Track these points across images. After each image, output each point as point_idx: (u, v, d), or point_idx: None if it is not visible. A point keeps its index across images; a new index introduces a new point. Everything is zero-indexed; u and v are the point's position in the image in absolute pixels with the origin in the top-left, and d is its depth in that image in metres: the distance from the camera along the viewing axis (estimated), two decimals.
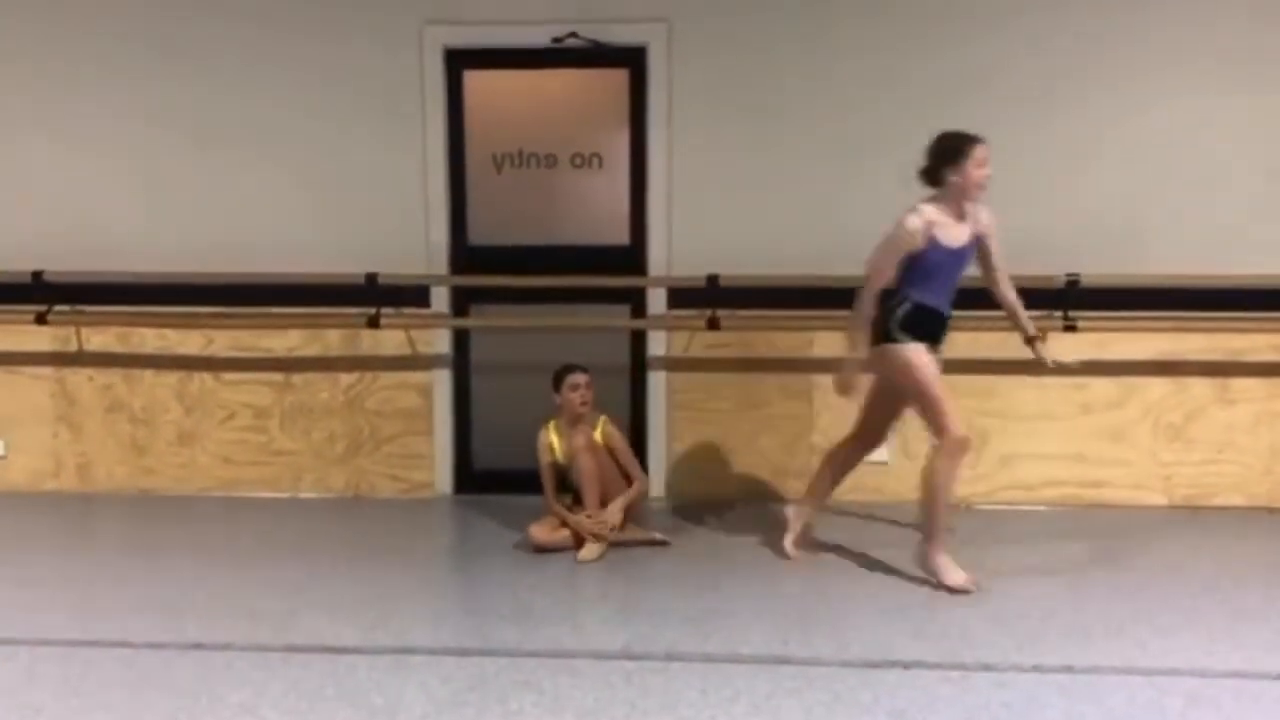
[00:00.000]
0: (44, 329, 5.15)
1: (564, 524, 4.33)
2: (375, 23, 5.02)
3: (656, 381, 5.14)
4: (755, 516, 4.78)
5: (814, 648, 3.27)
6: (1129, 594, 3.77)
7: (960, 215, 3.84)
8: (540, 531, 4.31)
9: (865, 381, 4.02)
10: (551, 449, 4.42)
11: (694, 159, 5.00)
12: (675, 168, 5.01)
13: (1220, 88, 4.85)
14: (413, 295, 5.11)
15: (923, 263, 3.83)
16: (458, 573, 4.34)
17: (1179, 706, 2.89)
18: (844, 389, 3.99)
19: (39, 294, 5.09)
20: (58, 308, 5.12)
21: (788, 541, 4.23)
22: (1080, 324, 4.78)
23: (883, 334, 3.89)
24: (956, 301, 4.98)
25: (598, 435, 4.39)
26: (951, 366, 4.97)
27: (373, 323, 5.02)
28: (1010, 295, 4.05)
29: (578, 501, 4.39)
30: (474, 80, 5.12)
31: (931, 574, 3.87)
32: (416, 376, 5.19)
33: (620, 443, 4.47)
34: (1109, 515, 4.84)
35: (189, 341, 5.20)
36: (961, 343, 4.93)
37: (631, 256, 5.12)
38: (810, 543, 4.31)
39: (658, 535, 4.42)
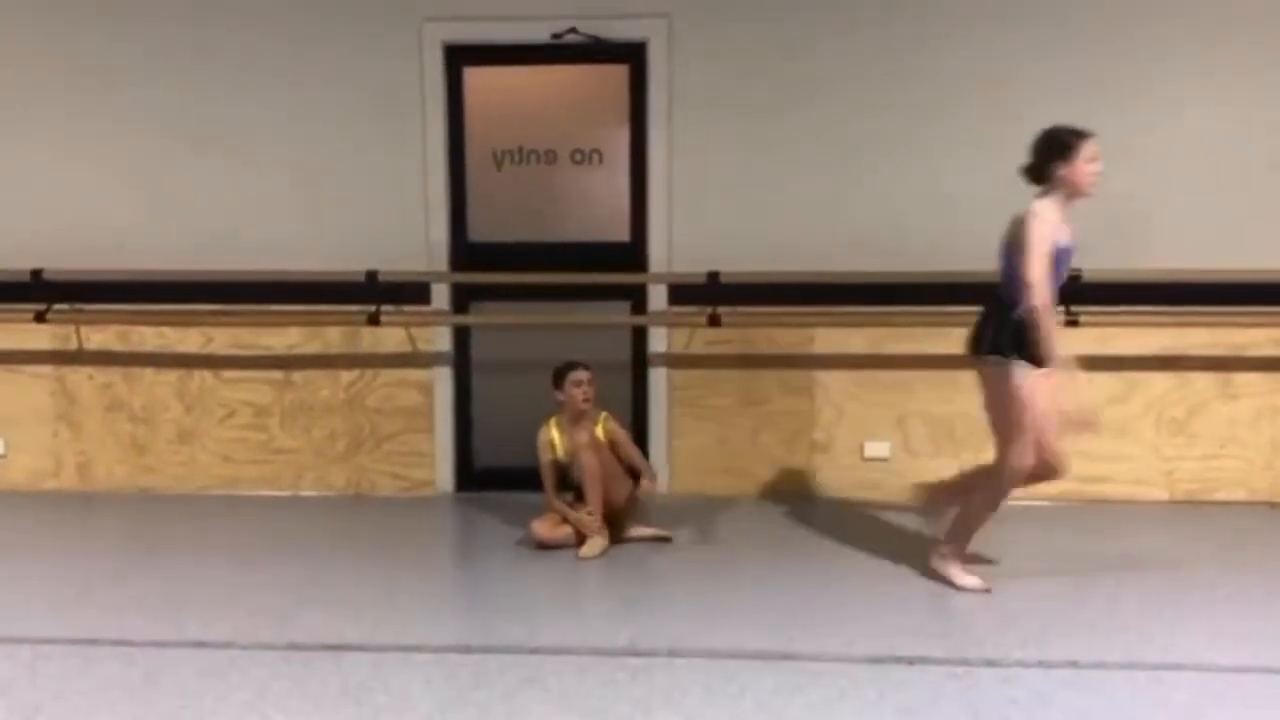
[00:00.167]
0: (43, 328, 5.14)
1: (565, 521, 4.33)
2: (374, 19, 5.01)
3: (657, 378, 5.13)
4: (757, 513, 4.78)
5: (819, 644, 3.27)
6: (1132, 589, 3.77)
7: (1065, 213, 3.66)
8: (542, 528, 4.30)
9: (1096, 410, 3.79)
10: (553, 446, 4.41)
11: (694, 155, 4.99)
12: (676, 164, 5.00)
13: (1222, 84, 4.85)
14: (413, 292, 5.09)
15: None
16: (460, 570, 4.33)
17: (1183, 701, 2.89)
18: (1088, 425, 3.66)
19: (38, 293, 5.07)
20: (57, 306, 5.10)
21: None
22: (1082, 319, 4.77)
23: (996, 347, 3.65)
24: (956, 297, 5.01)
25: (599, 432, 4.38)
26: (953, 362, 4.99)
27: (373, 320, 5.00)
28: None
29: (579, 499, 4.37)
30: (474, 77, 5.11)
31: (942, 577, 3.84)
32: (417, 374, 5.18)
33: (623, 437, 4.47)
34: (1111, 510, 4.84)
35: (189, 340, 5.19)
36: (965, 338, 4.95)
37: (632, 253, 5.11)
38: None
39: (660, 531, 4.42)
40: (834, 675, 3.03)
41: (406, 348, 5.15)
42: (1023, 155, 4.88)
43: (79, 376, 5.23)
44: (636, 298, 5.13)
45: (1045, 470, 3.76)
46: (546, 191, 5.16)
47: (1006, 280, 3.69)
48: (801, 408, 5.08)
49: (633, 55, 5.03)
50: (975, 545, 3.90)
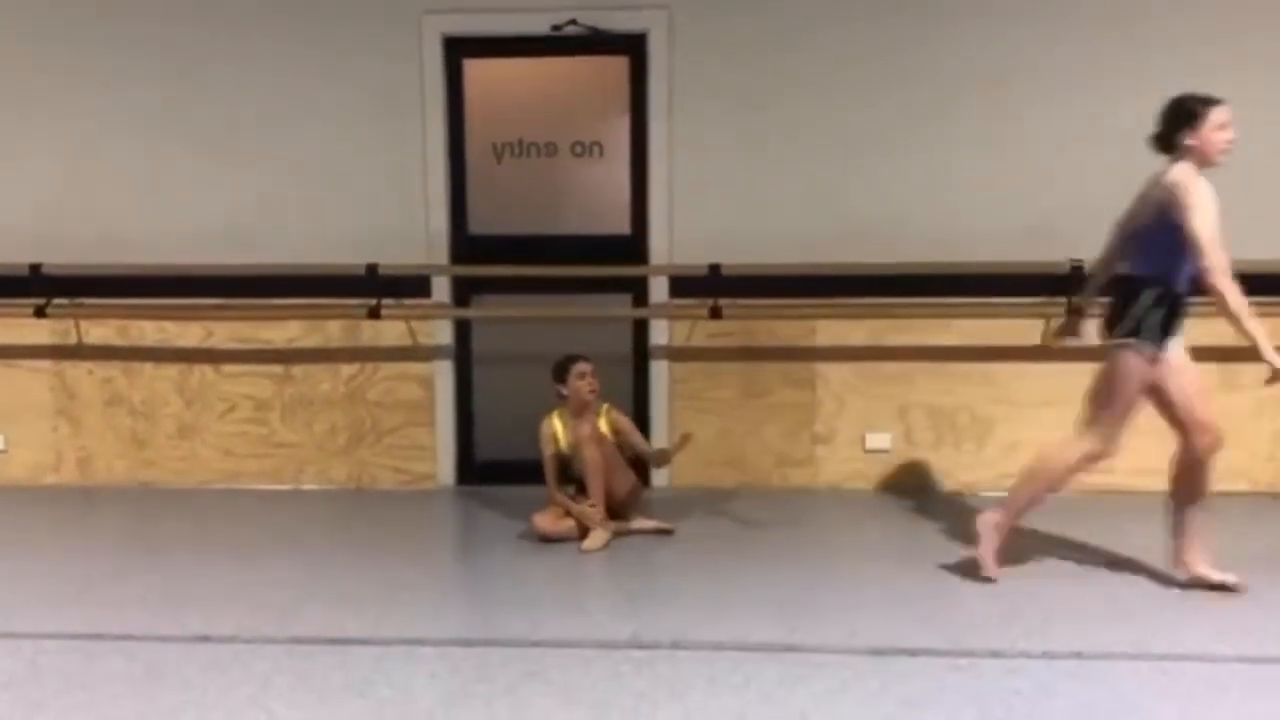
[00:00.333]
0: (43, 322, 5.12)
1: (568, 514, 4.32)
2: (374, 12, 4.99)
3: (659, 371, 5.12)
4: (759, 505, 4.77)
5: (822, 635, 3.26)
6: (1135, 579, 3.77)
7: None
8: (544, 521, 4.29)
9: None
10: (555, 439, 4.40)
11: (695, 147, 4.97)
12: (676, 156, 4.99)
13: (1224, 74, 4.82)
14: (413, 286, 5.08)
15: (1182, 235, 3.38)
16: (462, 564, 4.33)
17: (1188, 691, 2.89)
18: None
19: (38, 287, 5.06)
20: (56, 301, 5.09)
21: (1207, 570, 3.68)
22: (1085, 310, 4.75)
23: (1129, 328, 3.50)
24: (957, 288, 4.99)
25: (603, 424, 4.38)
26: (956, 354, 5.00)
27: (373, 313, 4.99)
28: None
29: (581, 491, 4.37)
30: (473, 69, 5.09)
31: (979, 540, 3.70)
32: (418, 367, 5.17)
33: (627, 425, 4.48)
34: (1114, 501, 4.83)
35: (189, 334, 5.17)
36: (966, 329, 4.96)
37: (633, 245, 5.10)
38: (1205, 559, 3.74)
39: (662, 524, 4.41)
40: (837, 666, 3.03)
41: (407, 341, 5.14)
42: (1032, 144, 4.89)
43: (79, 371, 5.22)
44: (637, 290, 5.12)
45: (1214, 443, 3.58)
46: (547, 184, 5.14)
47: (1145, 253, 3.53)
48: (803, 400, 5.07)
49: (633, 47, 5.01)
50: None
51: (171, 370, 5.19)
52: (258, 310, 5.10)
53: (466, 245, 5.15)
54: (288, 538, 4.41)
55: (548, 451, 4.41)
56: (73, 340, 5.19)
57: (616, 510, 4.36)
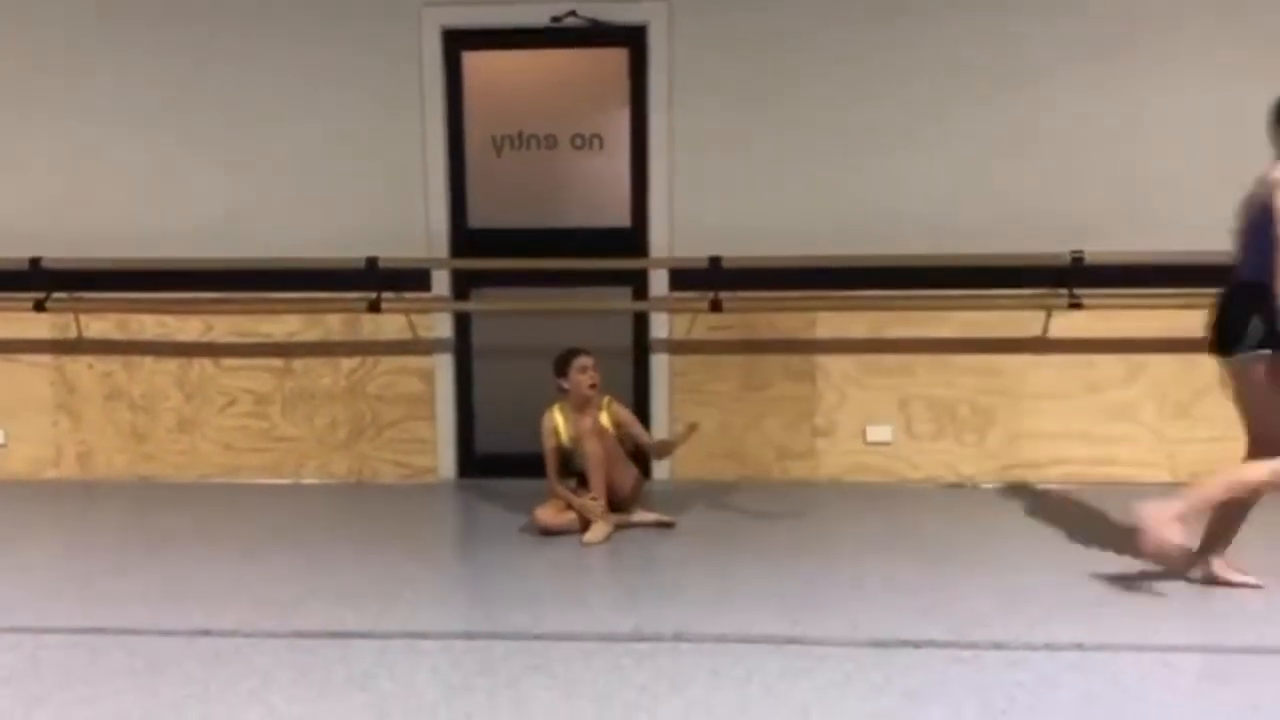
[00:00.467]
0: (42, 316, 5.12)
1: (569, 507, 4.32)
2: (373, 4, 4.98)
3: (659, 364, 5.12)
4: (760, 498, 4.77)
5: (824, 628, 3.26)
6: (1137, 571, 3.76)
7: None
8: (546, 514, 4.29)
9: None
10: (557, 432, 4.39)
11: (695, 139, 4.96)
12: (676, 148, 4.97)
13: (1227, 65, 4.81)
14: (413, 279, 5.07)
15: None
16: (464, 557, 4.32)
17: (1191, 682, 2.89)
18: None
19: (37, 281, 5.06)
20: (56, 295, 5.09)
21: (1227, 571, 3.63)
22: (1086, 301, 4.76)
23: (1242, 341, 3.35)
24: (957, 280, 4.97)
25: (605, 418, 4.37)
26: (956, 345, 4.99)
27: (373, 307, 4.99)
28: None
29: (582, 485, 4.37)
30: (473, 61, 5.08)
31: (1156, 520, 3.41)
32: (418, 361, 5.16)
33: (628, 417, 4.46)
34: (1116, 493, 4.82)
35: (188, 328, 5.17)
36: (967, 321, 4.95)
37: (633, 238, 5.09)
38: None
39: (663, 517, 4.41)
40: (840, 659, 3.02)
41: (407, 334, 5.13)
42: (1034, 136, 4.88)
43: (79, 365, 5.21)
44: (638, 283, 5.11)
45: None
46: (547, 177, 5.13)
47: (1251, 257, 3.35)
48: (803, 392, 5.07)
49: (633, 39, 4.99)
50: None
51: (171, 364, 5.19)
52: (258, 304, 5.10)
53: (466, 238, 5.14)
54: (288, 532, 4.41)
55: (549, 445, 4.40)
56: (72, 334, 5.19)
57: (618, 503, 4.35)
